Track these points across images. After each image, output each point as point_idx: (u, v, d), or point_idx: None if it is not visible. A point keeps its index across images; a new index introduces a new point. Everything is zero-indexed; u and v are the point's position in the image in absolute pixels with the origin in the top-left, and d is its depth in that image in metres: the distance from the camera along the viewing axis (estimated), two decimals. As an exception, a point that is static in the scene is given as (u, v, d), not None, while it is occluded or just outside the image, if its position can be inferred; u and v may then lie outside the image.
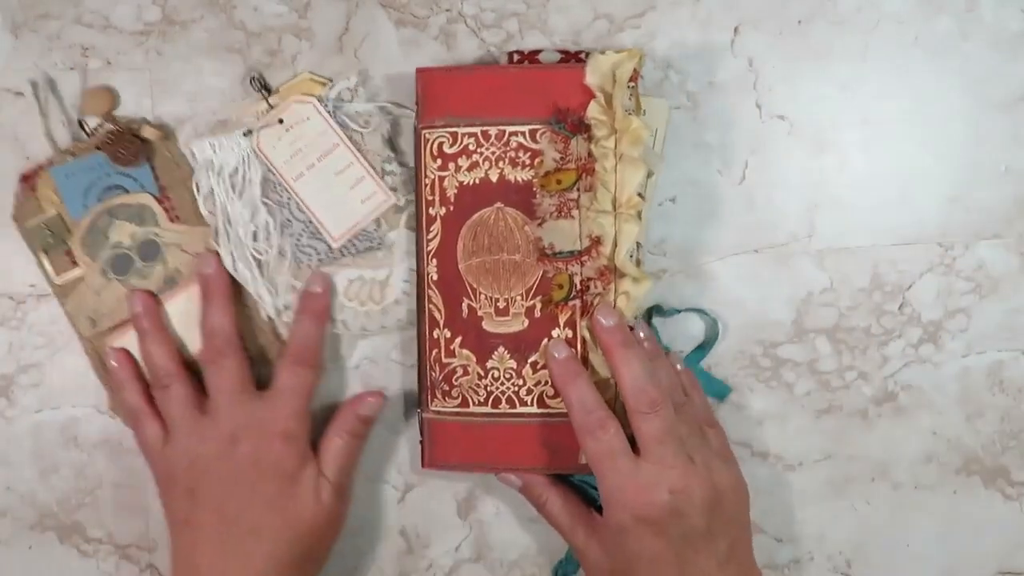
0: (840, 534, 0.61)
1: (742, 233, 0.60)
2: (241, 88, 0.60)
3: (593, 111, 0.55)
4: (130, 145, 0.59)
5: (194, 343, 0.60)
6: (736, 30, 0.59)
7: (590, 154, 0.55)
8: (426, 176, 0.57)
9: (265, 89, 0.59)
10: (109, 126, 0.59)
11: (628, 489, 0.51)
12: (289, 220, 0.60)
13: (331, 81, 0.60)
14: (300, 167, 0.59)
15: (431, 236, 0.57)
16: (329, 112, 0.59)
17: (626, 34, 0.59)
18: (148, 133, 0.59)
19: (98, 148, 0.59)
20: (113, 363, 0.59)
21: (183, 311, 0.60)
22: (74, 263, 0.60)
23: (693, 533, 0.51)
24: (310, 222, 0.60)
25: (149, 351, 0.58)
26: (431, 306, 0.58)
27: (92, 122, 0.60)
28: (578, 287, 0.56)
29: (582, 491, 0.58)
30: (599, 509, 0.54)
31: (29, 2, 0.60)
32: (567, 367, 0.55)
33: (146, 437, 0.58)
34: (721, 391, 0.60)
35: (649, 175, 0.59)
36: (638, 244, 0.56)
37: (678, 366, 0.58)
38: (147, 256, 0.60)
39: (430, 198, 0.57)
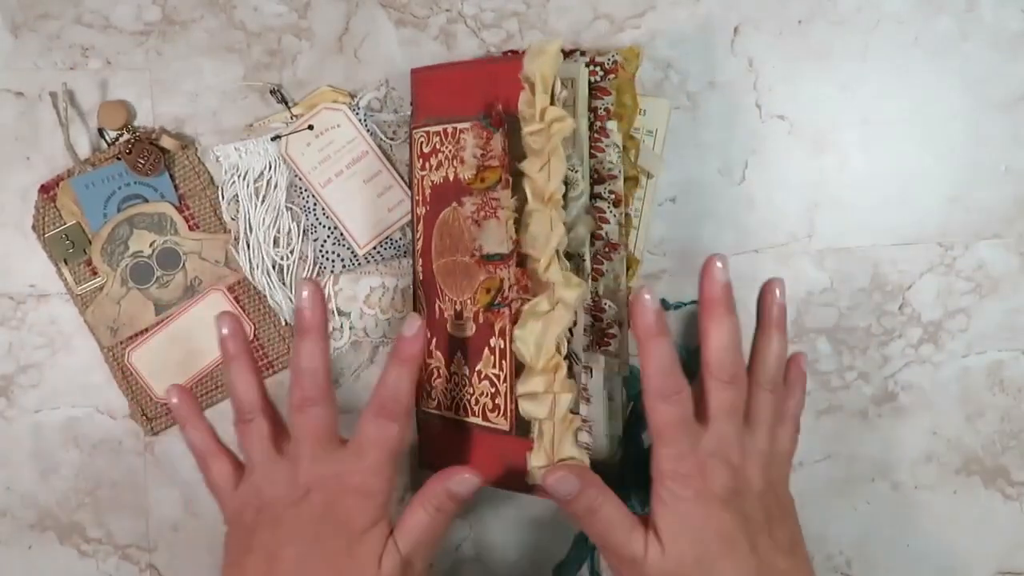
0: (840, 534, 0.61)
1: (742, 233, 0.60)
2: (241, 88, 0.60)
3: (521, 103, 0.50)
4: (149, 155, 0.59)
5: (210, 352, 0.60)
6: (736, 30, 0.59)
7: (504, 149, 0.51)
8: (415, 177, 0.57)
9: (284, 102, 0.60)
10: (128, 136, 0.59)
11: (690, 459, 0.48)
12: (314, 226, 0.60)
13: (350, 94, 0.60)
14: (328, 173, 0.59)
15: (417, 236, 0.57)
16: (360, 120, 0.59)
17: (626, 34, 0.59)
18: (167, 143, 0.59)
19: (118, 158, 0.59)
20: (175, 400, 0.55)
21: (202, 319, 0.60)
22: (94, 273, 0.60)
23: (754, 514, 0.49)
24: (336, 228, 0.60)
25: (234, 380, 0.53)
26: (419, 306, 0.58)
27: (111, 132, 0.60)
28: (504, 294, 0.52)
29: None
30: None
31: (29, 2, 0.60)
32: (655, 320, 0.49)
33: (216, 478, 0.54)
34: None
35: (649, 176, 0.59)
36: (612, 245, 0.54)
37: (803, 365, 0.55)
38: (167, 265, 0.60)
39: (417, 198, 0.57)
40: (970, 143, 0.60)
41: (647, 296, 0.49)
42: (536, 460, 0.50)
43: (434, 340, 0.56)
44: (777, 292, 0.52)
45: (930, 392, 0.61)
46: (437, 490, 0.51)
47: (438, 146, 0.55)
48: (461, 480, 0.50)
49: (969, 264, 0.60)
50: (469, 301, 0.54)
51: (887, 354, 0.61)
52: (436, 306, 0.56)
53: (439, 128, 0.55)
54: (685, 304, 0.60)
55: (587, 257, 0.53)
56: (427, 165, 0.56)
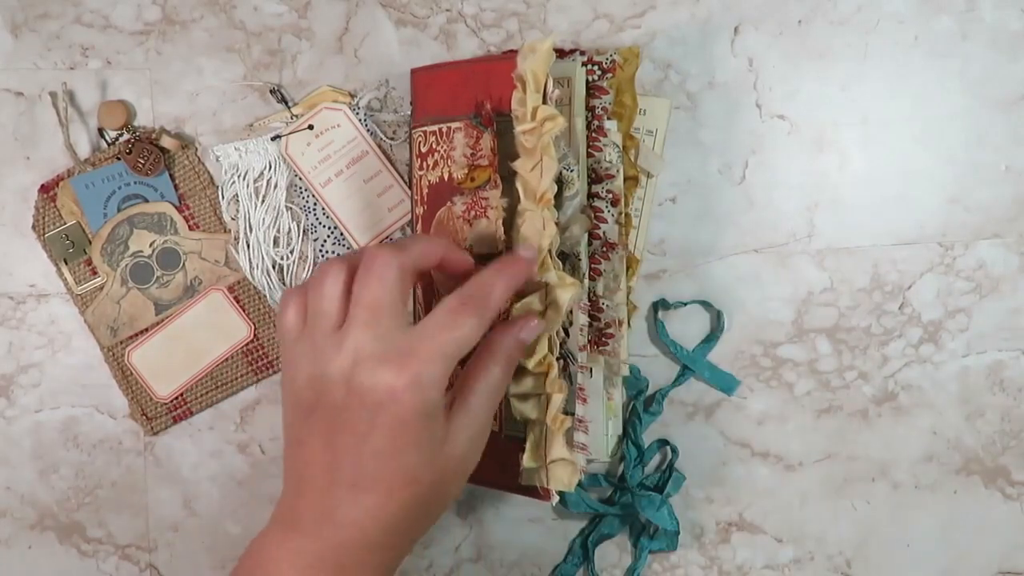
0: (840, 534, 0.61)
1: (742, 233, 0.60)
2: (241, 88, 0.60)
3: (514, 102, 0.49)
4: (149, 154, 0.59)
5: (210, 351, 0.60)
6: (736, 30, 0.59)
7: (493, 148, 0.51)
8: (414, 177, 0.57)
9: (284, 102, 0.60)
10: (128, 136, 0.59)
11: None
12: (314, 225, 0.60)
13: (350, 94, 0.60)
14: (328, 173, 0.59)
15: None
16: (360, 120, 0.59)
17: (626, 34, 0.59)
18: (167, 143, 0.59)
19: (118, 158, 0.59)
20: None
21: (202, 318, 0.60)
22: (94, 273, 0.60)
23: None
24: (335, 228, 0.60)
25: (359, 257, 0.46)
26: (417, 305, 0.58)
27: (111, 132, 0.60)
28: None
29: (633, 516, 0.57)
30: (653, 530, 0.53)
31: (29, 2, 0.60)
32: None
33: (284, 320, 0.47)
34: (729, 385, 0.60)
35: (649, 176, 0.59)
36: (610, 244, 0.54)
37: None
38: (167, 265, 0.60)
39: (416, 198, 0.57)
40: (970, 143, 0.60)
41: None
42: (528, 461, 0.50)
43: None
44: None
45: (930, 392, 0.61)
46: (508, 342, 0.47)
47: (434, 146, 0.55)
48: (530, 328, 0.48)
49: (969, 264, 0.60)
50: None
51: (887, 354, 0.61)
52: (433, 304, 0.56)
53: (435, 128, 0.55)
54: (685, 304, 0.60)
55: (583, 256, 0.53)
56: (424, 165, 0.56)
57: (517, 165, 0.49)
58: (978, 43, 0.59)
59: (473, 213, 0.52)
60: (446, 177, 0.54)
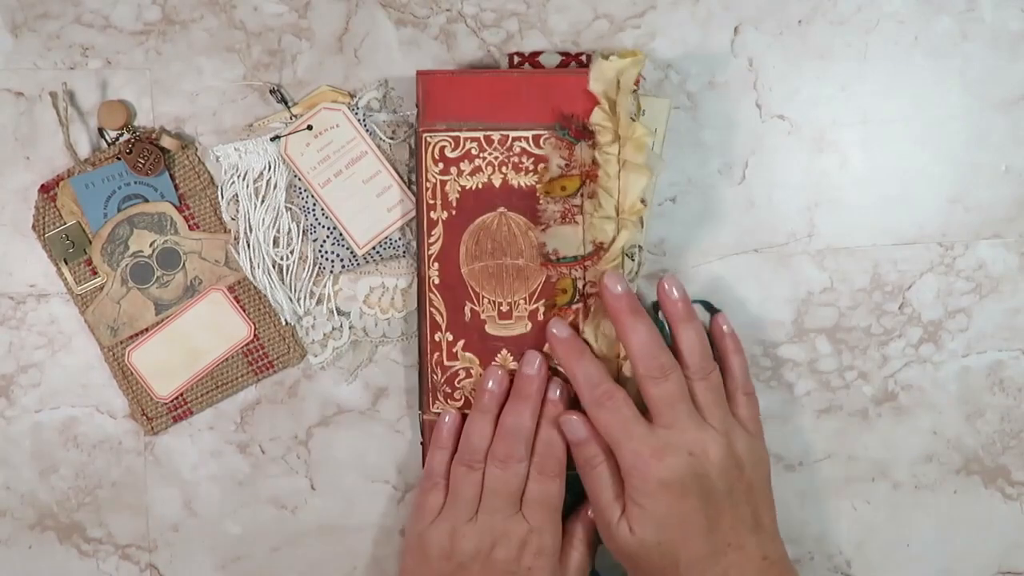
0: (840, 534, 0.61)
1: (742, 233, 0.60)
2: (241, 88, 0.60)
3: (597, 117, 0.55)
4: (149, 154, 0.59)
5: (210, 351, 0.60)
6: (736, 30, 0.59)
7: (594, 161, 0.55)
8: (427, 180, 0.57)
9: (284, 102, 0.60)
10: (128, 136, 0.59)
11: (646, 454, 0.52)
12: (313, 226, 0.60)
13: (350, 94, 0.60)
14: (327, 173, 0.59)
15: (432, 240, 0.57)
16: (359, 120, 0.59)
17: (626, 34, 0.59)
18: (167, 143, 0.59)
19: (118, 158, 0.59)
20: (448, 422, 0.57)
21: (202, 318, 0.60)
22: (94, 273, 0.60)
23: (717, 495, 0.51)
24: (335, 228, 0.60)
25: (475, 426, 0.56)
26: (432, 309, 0.58)
27: (111, 132, 0.60)
28: (581, 291, 0.56)
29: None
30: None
31: (29, 2, 0.60)
32: (571, 345, 0.55)
33: (427, 503, 0.57)
34: None
35: (650, 176, 0.59)
36: (639, 247, 0.56)
37: (724, 327, 0.57)
38: (167, 265, 0.60)
39: (431, 202, 0.57)
40: (970, 143, 0.60)
41: (612, 276, 0.54)
42: None
43: (462, 342, 0.57)
44: (669, 288, 0.55)
45: (930, 392, 0.61)
46: (589, 527, 0.57)
47: (475, 152, 0.57)
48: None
49: (969, 264, 0.60)
50: (523, 300, 0.57)
51: (887, 354, 0.61)
52: (466, 309, 0.57)
53: (476, 134, 0.57)
54: (693, 303, 0.60)
55: (635, 256, 0.56)
56: (452, 169, 0.57)
57: (603, 176, 0.55)
58: (978, 43, 0.59)
59: (561, 219, 0.56)
60: (497, 183, 0.57)
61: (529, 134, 0.56)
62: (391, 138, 0.60)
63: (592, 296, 0.56)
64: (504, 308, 0.57)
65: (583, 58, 0.58)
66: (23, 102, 0.61)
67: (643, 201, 0.55)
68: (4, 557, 0.62)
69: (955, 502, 0.61)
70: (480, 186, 0.57)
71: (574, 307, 0.56)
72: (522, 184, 0.57)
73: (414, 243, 0.60)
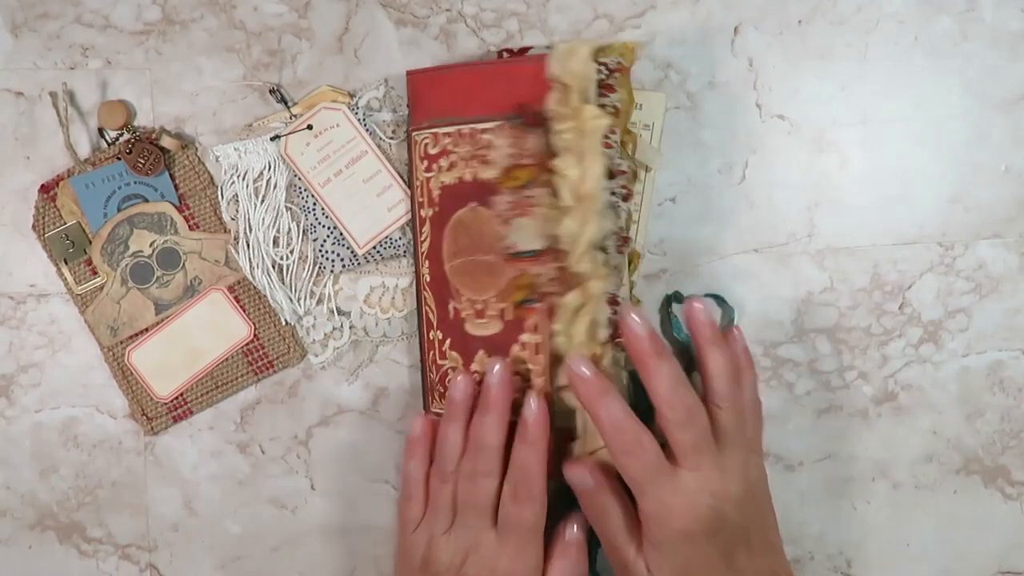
0: (840, 534, 0.61)
1: (742, 233, 0.60)
2: (241, 88, 0.60)
3: (552, 102, 0.52)
4: (149, 154, 0.59)
5: (210, 351, 0.60)
6: (736, 30, 0.59)
7: (543, 148, 0.52)
8: (417, 178, 0.57)
9: (284, 102, 0.60)
10: (128, 136, 0.59)
11: (672, 504, 0.50)
12: (313, 225, 0.60)
13: (349, 94, 0.60)
14: (328, 173, 0.59)
15: (423, 238, 0.57)
16: (359, 119, 0.59)
17: (626, 34, 0.59)
18: (167, 142, 0.59)
19: (118, 158, 0.59)
20: (416, 431, 0.56)
21: (202, 318, 0.60)
22: (94, 273, 0.60)
23: (734, 530, 0.51)
24: (335, 228, 0.60)
25: (446, 436, 0.54)
26: (426, 308, 0.58)
27: (111, 132, 0.60)
28: (541, 289, 0.53)
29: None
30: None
31: (29, 2, 0.60)
32: (594, 385, 0.51)
33: (407, 512, 0.56)
34: None
35: (647, 170, 0.59)
36: (625, 238, 0.54)
37: (738, 342, 0.56)
38: (167, 265, 0.60)
39: (421, 200, 0.57)
40: (970, 143, 0.60)
41: (633, 318, 0.51)
42: (581, 448, 0.53)
43: (448, 340, 0.56)
44: (698, 310, 0.53)
45: (930, 392, 0.61)
46: (580, 541, 0.55)
47: (450, 147, 0.55)
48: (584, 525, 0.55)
49: (969, 264, 0.60)
50: (494, 299, 0.54)
51: (887, 354, 0.61)
52: (450, 306, 0.56)
53: (451, 129, 0.55)
54: (705, 296, 0.60)
55: (611, 250, 0.54)
56: (434, 166, 0.56)
57: (559, 163, 0.51)
58: (978, 43, 0.59)
59: (516, 212, 0.53)
60: (469, 178, 0.55)
61: (492, 125, 0.54)
62: (391, 138, 0.60)
63: (554, 294, 0.53)
64: (479, 306, 0.55)
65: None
66: (23, 102, 0.61)
67: (630, 191, 0.52)
68: (4, 557, 0.62)
69: (955, 502, 0.61)
70: (456, 181, 0.55)
71: (535, 305, 0.53)
72: (488, 177, 0.54)
73: (414, 243, 0.60)
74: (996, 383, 0.61)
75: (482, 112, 0.54)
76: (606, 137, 0.54)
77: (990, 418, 0.61)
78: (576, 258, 0.51)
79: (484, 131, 0.54)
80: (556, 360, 0.53)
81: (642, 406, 0.60)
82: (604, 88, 0.54)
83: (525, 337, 0.54)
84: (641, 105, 0.58)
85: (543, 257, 0.53)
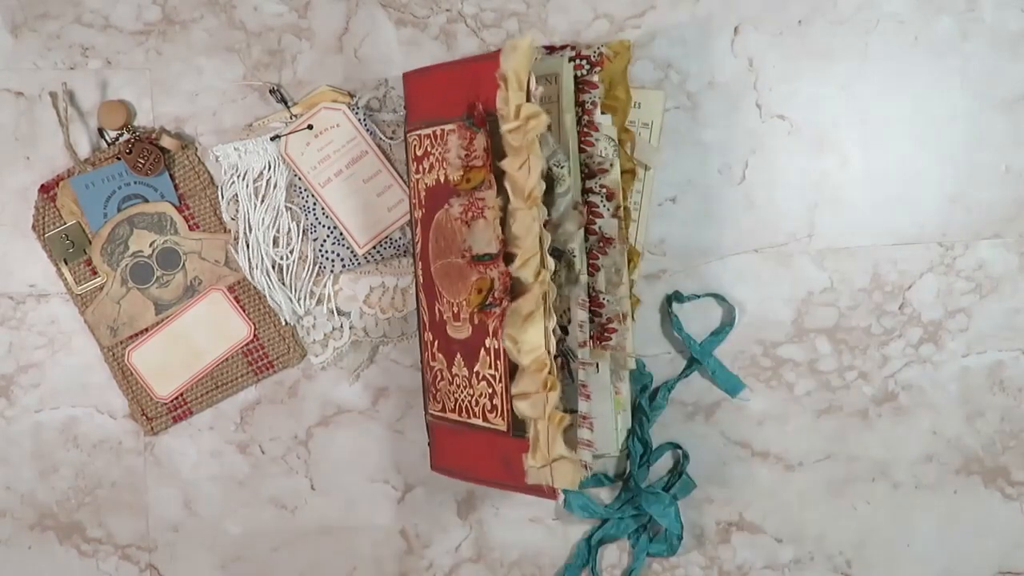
0: (840, 534, 0.61)
1: (742, 233, 0.60)
2: (241, 88, 0.60)
3: (498, 100, 0.49)
4: (149, 154, 0.59)
5: (210, 351, 0.60)
6: (736, 30, 0.59)
7: (486, 148, 0.50)
8: (410, 180, 0.57)
9: (284, 102, 0.60)
10: (128, 136, 0.59)
11: None
12: (313, 225, 0.60)
13: (349, 94, 0.60)
14: (328, 173, 0.59)
15: (416, 239, 0.57)
16: (359, 120, 0.59)
17: (626, 34, 0.59)
18: (167, 143, 0.59)
19: (118, 158, 0.59)
20: None
21: (202, 319, 0.60)
22: (94, 273, 0.60)
23: None
24: (335, 227, 0.60)
25: None
26: (421, 309, 0.57)
27: (111, 132, 0.60)
28: (496, 293, 0.50)
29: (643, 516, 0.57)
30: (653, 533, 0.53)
31: (29, 2, 0.60)
32: None
33: None
34: (734, 387, 0.60)
35: (646, 168, 0.59)
36: (606, 239, 0.53)
37: None
38: (167, 264, 0.60)
39: (414, 201, 0.57)
40: (970, 143, 0.60)
41: None
42: (532, 460, 0.50)
43: (436, 343, 0.56)
44: None
45: (930, 392, 0.61)
46: None
47: (429, 149, 0.55)
48: None
49: (969, 264, 0.60)
50: (464, 302, 0.53)
51: (887, 354, 0.61)
52: (436, 309, 0.55)
53: (429, 131, 0.55)
54: (699, 297, 0.60)
55: (579, 253, 0.53)
56: (420, 168, 0.56)
57: (505, 164, 0.49)
58: (978, 43, 0.59)
59: (471, 214, 0.51)
60: (442, 179, 0.54)
61: (452, 126, 0.52)
62: (391, 138, 0.60)
63: (506, 298, 0.50)
64: (455, 309, 0.54)
65: (567, 48, 0.57)
66: (23, 102, 0.61)
67: (553, 182, 0.50)
68: (4, 557, 0.62)
69: (955, 502, 0.61)
70: (435, 183, 0.54)
71: (493, 310, 0.51)
72: (454, 179, 0.53)
73: (414, 243, 0.60)
74: (996, 383, 0.61)
75: (449, 112, 0.53)
76: (588, 134, 0.54)
77: (990, 418, 0.61)
78: (519, 263, 0.49)
79: (448, 132, 0.53)
80: (514, 367, 0.50)
81: (642, 406, 0.60)
82: (584, 84, 0.54)
83: (488, 342, 0.52)
84: (639, 103, 0.58)
85: (498, 260, 0.50)
